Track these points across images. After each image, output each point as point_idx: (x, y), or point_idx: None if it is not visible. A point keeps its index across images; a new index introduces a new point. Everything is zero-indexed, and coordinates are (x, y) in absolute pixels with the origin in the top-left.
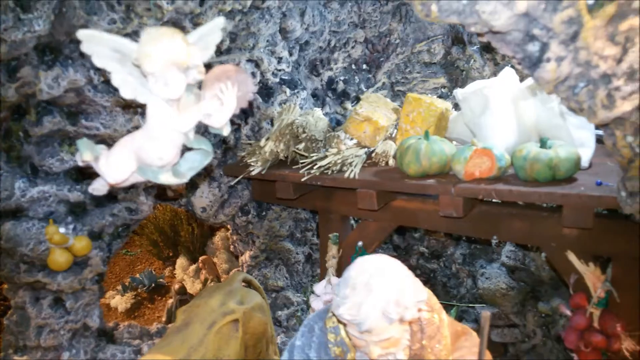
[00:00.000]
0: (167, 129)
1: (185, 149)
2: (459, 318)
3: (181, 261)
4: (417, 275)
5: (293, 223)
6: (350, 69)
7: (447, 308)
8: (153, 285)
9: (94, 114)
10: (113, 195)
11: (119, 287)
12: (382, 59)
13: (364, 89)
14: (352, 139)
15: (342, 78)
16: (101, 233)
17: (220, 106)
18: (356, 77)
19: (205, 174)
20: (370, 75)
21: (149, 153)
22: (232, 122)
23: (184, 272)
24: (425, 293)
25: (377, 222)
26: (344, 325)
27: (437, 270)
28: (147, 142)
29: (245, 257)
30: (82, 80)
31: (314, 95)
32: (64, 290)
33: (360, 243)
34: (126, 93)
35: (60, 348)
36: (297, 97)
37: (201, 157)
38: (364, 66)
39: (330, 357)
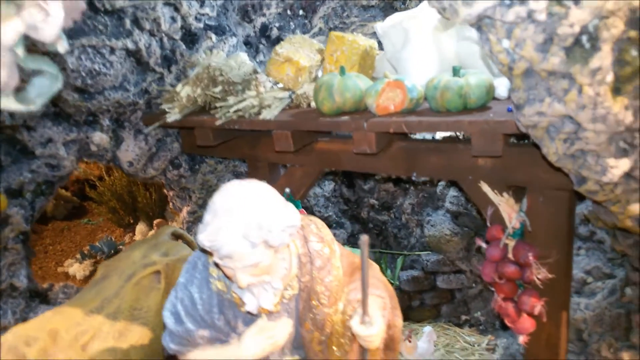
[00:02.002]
0: None
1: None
2: (409, 267)
3: (140, 227)
4: (369, 228)
5: (232, 176)
6: (285, 14)
7: (396, 257)
8: (112, 252)
9: None
10: (30, 150)
11: (78, 256)
12: (318, 3)
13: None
14: (277, 83)
15: (276, 24)
16: (21, 190)
17: (46, 17)
18: (291, 23)
19: (130, 126)
20: (306, 21)
21: None
22: (154, 70)
23: (143, 238)
24: (296, 219)
25: (303, 167)
26: (211, 255)
27: (388, 221)
28: None
29: (183, 213)
30: None
31: (247, 42)
32: None
33: (287, 190)
34: None
35: None
36: (225, 43)
37: (50, 82)
38: (300, 11)
39: (211, 292)
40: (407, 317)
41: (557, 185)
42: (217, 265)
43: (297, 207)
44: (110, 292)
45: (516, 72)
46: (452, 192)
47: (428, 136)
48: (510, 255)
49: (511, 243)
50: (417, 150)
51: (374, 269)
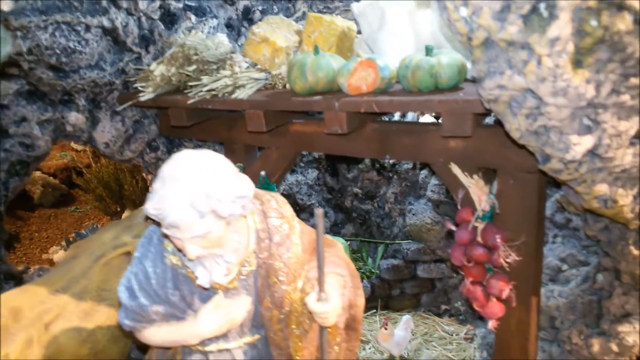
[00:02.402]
0: None
1: None
2: (392, 256)
3: (127, 215)
4: (353, 218)
5: None
6: None
7: (377, 246)
8: None
9: None
10: (3, 129)
11: (63, 243)
12: None
13: None
14: (255, 65)
15: (259, 7)
16: None
17: None
18: (275, 7)
19: (107, 107)
20: (289, 5)
21: None
22: (131, 50)
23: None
24: (247, 191)
25: (278, 150)
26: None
27: (372, 211)
28: None
29: None
30: None
31: (228, 25)
32: None
33: (262, 173)
34: None
35: None
36: (205, 25)
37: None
38: None
39: (165, 267)
40: (387, 306)
41: (528, 168)
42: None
43: (272, 190)
44: (78, 272)
45: (475, 42)
46: (434, 180)
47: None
48: (479, 239)
49: (480, 226)
50: (390, 132)
51: (337, 248)
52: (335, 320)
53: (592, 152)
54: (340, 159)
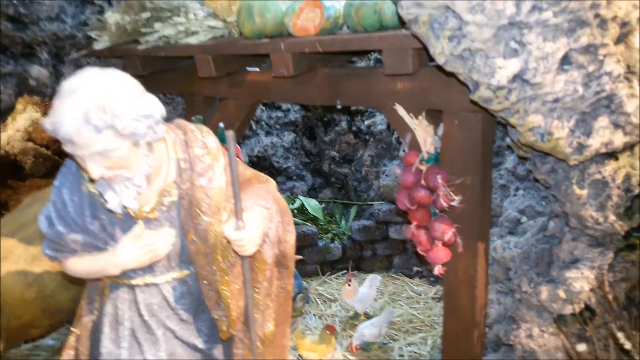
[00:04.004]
0: None
1: None
2: (367, 219)
3: None
4: (331, 182)
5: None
6: None
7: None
8: None
9: None
10: None
11: None
12: None
13: None
14: (217, 16)
15: None
16: None
17: None
18: None
19: (71, 61)
20: None
21: None
22: (93, 3)
23: None
24: (153, 110)
25: (236, 100)
26: None
27: (349, 174)
28: None
29: None
30: None
31: None
32: None
33: (221, 124)
34: None
35: None
36: None
37: None
38: None
39: (82, 194)
40: (358, 267)
41: (471, 107)
42: None
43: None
44: (29, 218)
45: None
46: None
47: None
48: (423, 182)
49: (425, 169)
50: (340, 77)
51: (269, 184)
52: (253, 249)
53: (522, 79)
54: (317, 121)
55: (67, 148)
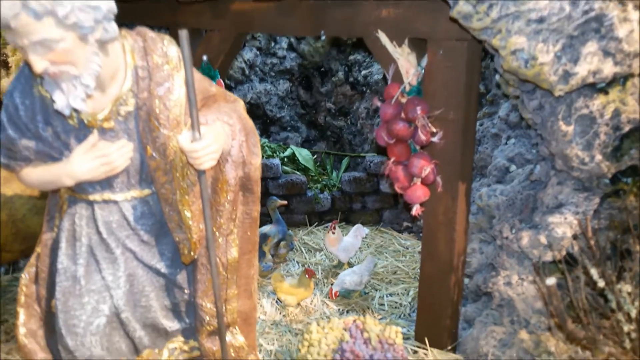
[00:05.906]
0: None
1: None
2: (358, 171)
3: None
4: (327, 136)
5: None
6: None
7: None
8: None
9: None
10: None
11: None
12: None
13: None
14: None
15: None
16: None
17: None
18: None
19: None
20: None
21: None
22: None
23: None
24: (104, 3)
25: (220, 32)
26: None
27: (344, 127)
28: None
29: None
30: None
31: None
32: None
33: (205, 57)
34: None
35: None
36: None
37: None
38: None
39: (34, 98)
40: (347, 220)
41: (457, 35)
42: None
43: (214, 77)
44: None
45: None
46: None
47: None
48: (403, 115)
49: (405, 100)
50: (325, 6)
51: (237, 104)
52: (210, 164)
53: None
54: (313, 70)
55: (7, 36)
